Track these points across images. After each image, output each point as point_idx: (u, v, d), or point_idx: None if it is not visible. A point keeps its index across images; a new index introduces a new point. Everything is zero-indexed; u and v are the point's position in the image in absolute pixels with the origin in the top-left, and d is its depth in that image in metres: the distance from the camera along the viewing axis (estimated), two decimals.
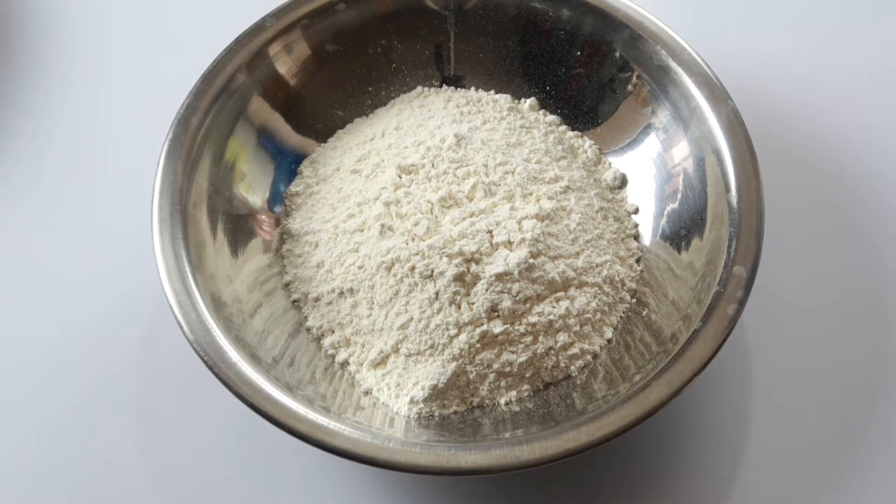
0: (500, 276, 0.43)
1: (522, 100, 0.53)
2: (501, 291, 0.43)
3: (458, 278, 0.43)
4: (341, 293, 0.45)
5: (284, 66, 0.50)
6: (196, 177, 0.45)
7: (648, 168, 0.49)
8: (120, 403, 0.47)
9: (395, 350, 0.44)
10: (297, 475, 0.45)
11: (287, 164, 0.51)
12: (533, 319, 0.43)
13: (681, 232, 0.47)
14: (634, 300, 0.47)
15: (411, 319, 0.43)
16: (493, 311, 0.43)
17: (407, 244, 0.44)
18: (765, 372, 0.48)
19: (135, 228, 0.48)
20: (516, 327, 0.43)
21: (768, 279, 0.49)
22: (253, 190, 0.49)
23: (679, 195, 0.47)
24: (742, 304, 0.41)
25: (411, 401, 0.43)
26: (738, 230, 0.43)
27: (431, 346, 0.43)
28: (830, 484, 0.45)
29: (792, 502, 0.45)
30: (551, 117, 0.52)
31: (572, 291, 0.45)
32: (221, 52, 0.48)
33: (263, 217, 0.49)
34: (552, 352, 0.44)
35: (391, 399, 0.44)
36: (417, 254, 0.44)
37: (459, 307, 0.43)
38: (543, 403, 0.43)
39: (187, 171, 0.45)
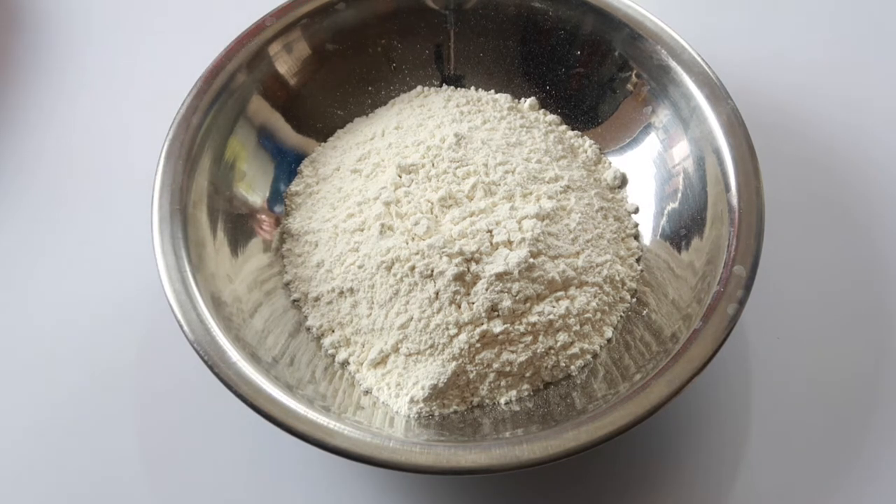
0: (500, 276, 0.43)
1: (522, 99, 0.53)
2: (501, 291, 0.43)
3: (458, 278, 0.43)
4: (341, 293, 0.45)
5: (284, 65, 0.50)
6: (196, 176, 0.45)
7: (648, 167, 0.49)
8: (120, 403, 0.47)
9: (395, 349, 0.44)
10: (297, 475, 0.45)
11: (287, 164, 0.51)
12: (533, 319, 0.43)
13: (681, 231, 0.47)
14: (634, 300, 0.47)
15: (411, 319, 0.43)
16: (493, 310, 0.43)
17: (407, 244, 0.44)
18: (765, 372, 0.48)
19: (135, 228, 0.48)
20: (516, 327, 0.43)
21: (768, 279, 0.49)
22: (253, 189, 0.49)
23: (679, 195, 0.47)
24: (742, 303, 0.41)
25: (411, 400, 0.43)
26: (738, 230, 0.43)
27: (431, 346, 0.43)
28: (831, 483, 0.45)
29: (792, 501, 0.45)
30: (551, 117, 0.52)
31: (572, 291, 0.45)
32: (221, 52, 0.48)
33: (263, 216, 0.49)
34: (552, 351, 0.44)
35: (391, 398, 0.44)
36: (417, 253, 0.44)
37: (459, 307, 0.43)
38: (543, 403, 0.43)
39: (187, 171, 0.45)
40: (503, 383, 0.44)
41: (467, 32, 0.53)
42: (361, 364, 0.45)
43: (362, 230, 0.46)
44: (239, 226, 0.47)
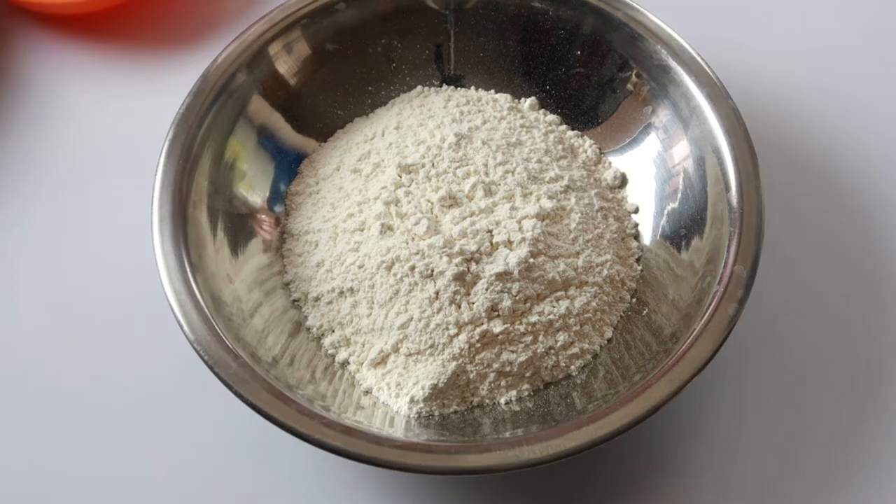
0: (500, 276, 0.43)
1: (522, 99, 0.53)
2: (501, 291, 0.43)
3: (458, 278, 0.43)
4: (341, 292, 0.45)
5: (284, 65, 0.50)
6: (196, 176, 0.45)
7: (648, 167, 0.49)
8: (120, 403, 0.47)
9: (395, 349, 0.44)
10: (298, 474, 0.45)
11: (287, 164, 0.51)
12: (533, 319, 0.43)
13: (681, 231, 0.47)
14: (634, 300, 0.47)
15: (411, 319, 0.43)
16: (493, 310, 0.43)
17: (407, 243, 0.44)
18: (765, 372, 0.48)
19: (135, 228, 0.48)
20: (516, 327, 0.43)
21: (768, 279, 0.49)
22: (253, 189, 0.49)
23: (679, 194, 0.47)
24: (742, 303, 0.41)
25: (411, 400, 0.43)
26: (738, 229, 0.43)
27: (431, 346, 0.43)
28: (831, 484, 0.45)
29: (792, 501, 0.45)
30: (551, 117, 0.52)
31: (572, 291, 0.45)
32: (221, 51, 0.48)
33: (263, 216, 0.49)
34: (552, 351, 0.44)
35: (391, 398, 0.44)
36: (417, 253, 0.44)
37: (459, 307, 0.43)
38: (543, 403, 0.43)
39: (187, 171, 0.45)
40: (503, 383, 0.44)
41: (467, 32, 0.53)
42: (361, 364, 0.45)
43: (362, 230, 0.46)
44: (239, 226, 0.47)
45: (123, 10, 0.59)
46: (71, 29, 0.58)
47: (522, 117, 0.51)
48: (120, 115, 0.56)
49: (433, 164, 0.47)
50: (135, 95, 0.57)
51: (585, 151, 0.51)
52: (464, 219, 0.45)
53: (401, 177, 0.47)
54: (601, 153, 0.51)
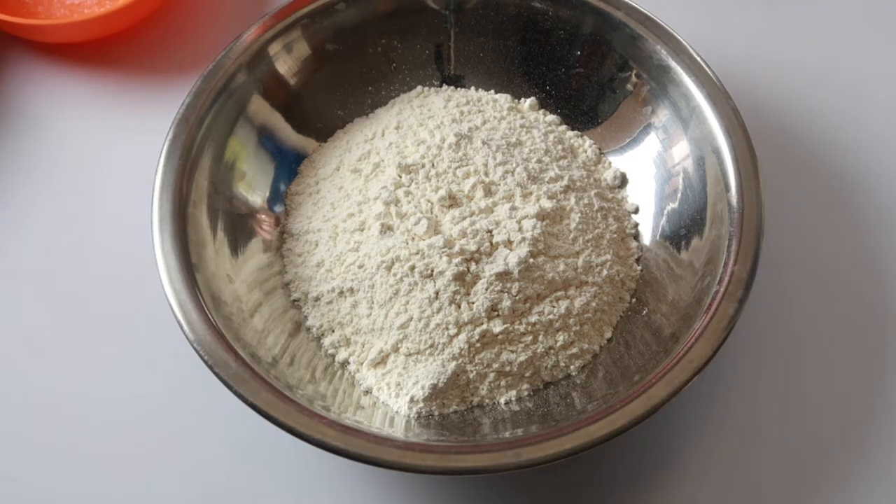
0: (499, 276, 0.43)
1: (522, 99, 0.53)
2: (501, 291, 0.43)
3: (458, 278, 0.43)
4: (341, 292, 0.45)
5: (284, 65, 0.50)
6: (196, 176, 0.46)
7: (648, 167, 0.49)
8: (119, 403, 0.47)
9: (395, 349, 0.44)
10: (298, 474, 0.45)
11: (287, 164, 0.51)
12: (533, 319, 0.43)
13: (681, 231, 0.47)
14: (634, 300, 0.47)
15: (411, 319, 0.43)
16: (492, 310, 0.43)
17: (407, 243, 0.44)
18: (765, 372, 0.48)
19: (135, 228, 0.48)
20: (516, 327, 0.43)
21: (768, 279, 0.49)
22: (253, 189, 0.49)
23: (679, 194, 0.47)
24: (742, 303, 0.41)
25: (411, 400, 0.43)
26: (737, 230, 0.43)
27: (431, 346, 0.43)
28: (831, 483, 0.45)
29: (793, 502, 0.45)
30: (551, 117, 0.52)
31: (572, 291, 0.45)
32: (221, 51, 0.48)
33: (263, 216, 0.49)
34: (552, 351, 0.44)
35: (391, 398, 0.44)
36: (417, 253, 0.44)
37: (459, 307, 0.43)
38: (543, 403, 0.43)
39: (187, 171, 0.45)
40: (503, 383, 0.44)
41: (467, 32, 0.53)
42: (361, 364, 0.45)
43: (362, 230, 0.46)
44: (239, 226, 0.47)
45: (118, 40, 0.58)
46: (65, 57, 0.58)
47: (522, 117, 0.51)
48: (120, 113, 0.56)
49: (433, 164, 0.47)
50: (134, 94, 0.57)
51: (585, 151, 0.51)
52: (464, 219, 0.45)
53: (401, 177, 0.47)
54: (601, 153, 0.51)
